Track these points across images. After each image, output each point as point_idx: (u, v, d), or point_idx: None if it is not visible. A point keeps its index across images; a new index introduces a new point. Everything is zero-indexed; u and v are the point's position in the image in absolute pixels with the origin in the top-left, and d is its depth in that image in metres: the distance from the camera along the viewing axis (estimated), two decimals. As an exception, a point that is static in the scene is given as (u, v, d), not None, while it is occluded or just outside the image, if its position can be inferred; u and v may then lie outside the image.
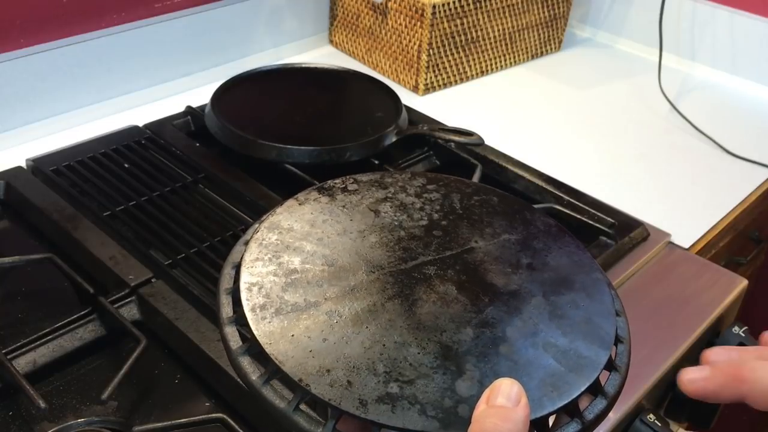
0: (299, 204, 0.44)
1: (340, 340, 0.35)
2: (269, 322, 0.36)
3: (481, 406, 0.32)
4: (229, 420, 0.59)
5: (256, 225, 0.42)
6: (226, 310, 0.38)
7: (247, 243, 0.41)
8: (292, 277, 0.38)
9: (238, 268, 0.39)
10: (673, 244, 0.87)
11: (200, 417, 0.60)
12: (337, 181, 0.46)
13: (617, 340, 0.38)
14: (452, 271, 0.39)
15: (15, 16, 0.93)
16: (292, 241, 0.41)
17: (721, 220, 0.94)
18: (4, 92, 0.94)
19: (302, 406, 0.34)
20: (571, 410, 0.34)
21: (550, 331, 0.37)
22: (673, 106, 1.17)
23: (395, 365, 0.34)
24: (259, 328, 0.36)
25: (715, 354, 0.35)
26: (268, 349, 0.35)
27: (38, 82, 0.97)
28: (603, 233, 0.83)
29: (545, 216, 0.46)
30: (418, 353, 0.35)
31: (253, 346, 0.36)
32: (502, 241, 0.42)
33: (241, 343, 0.37)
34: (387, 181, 0.46)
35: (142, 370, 0.65)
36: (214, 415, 0.60)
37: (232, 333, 0.37)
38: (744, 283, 0.82)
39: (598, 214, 0.86)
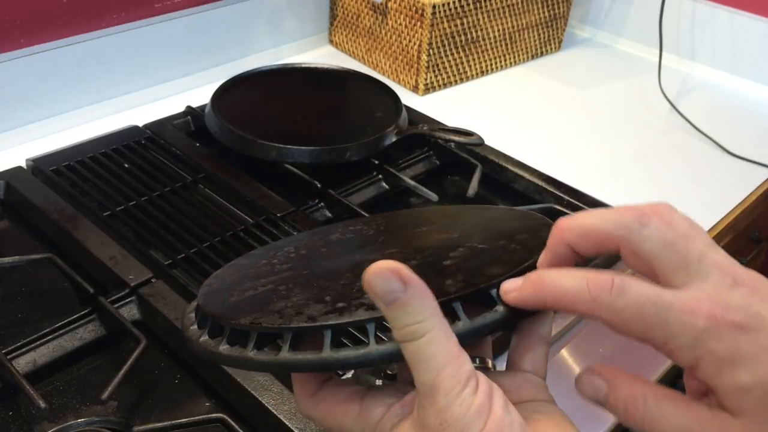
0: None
1: (284, 292, 0.39)
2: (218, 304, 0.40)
3: None
4: (229, 420, 0.59)
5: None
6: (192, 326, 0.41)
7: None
8: (239, 287, 0.42)
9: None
10: (673, 244, 0.87)
11: (200, 417, 0.60)
12: None
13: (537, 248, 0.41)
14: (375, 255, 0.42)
15: (15, 16, 0.93)
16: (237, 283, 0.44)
17: (721, 220, 0.94)
18: (4, 92, 0.94)
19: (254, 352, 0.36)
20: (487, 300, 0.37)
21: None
22: (673, 106, 1.17)
23: (334, 293, 0.37)
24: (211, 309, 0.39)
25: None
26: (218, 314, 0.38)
27: (38, 82, 0.97)
28: (603, 233, 0.83)
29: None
30: (346, 283, 0.38)
31: (212, 325, 0.38)
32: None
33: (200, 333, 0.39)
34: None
35: (142, 370, 0.65)
36: (214, 415, 0.60)
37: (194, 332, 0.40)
38: (744, 283, 0.82)
39: (598, 214, 0.86)
